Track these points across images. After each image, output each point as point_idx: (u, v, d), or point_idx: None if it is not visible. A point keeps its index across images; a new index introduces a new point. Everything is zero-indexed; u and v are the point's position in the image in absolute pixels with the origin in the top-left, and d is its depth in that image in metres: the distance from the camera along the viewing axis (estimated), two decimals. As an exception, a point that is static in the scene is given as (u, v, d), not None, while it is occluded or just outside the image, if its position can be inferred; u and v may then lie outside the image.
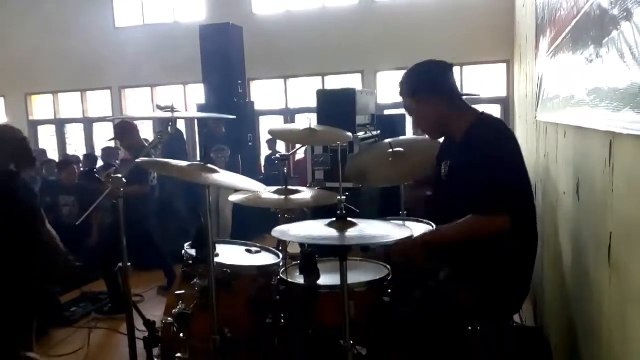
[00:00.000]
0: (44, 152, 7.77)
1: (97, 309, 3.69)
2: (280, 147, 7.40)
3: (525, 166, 1.79)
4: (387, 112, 7.79)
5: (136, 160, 1.91)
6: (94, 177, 2.00)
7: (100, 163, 6.78)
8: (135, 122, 4.07)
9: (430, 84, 1.81)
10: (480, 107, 1.92)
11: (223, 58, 6.06)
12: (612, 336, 1.23)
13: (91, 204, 2.29)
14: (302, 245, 1.86)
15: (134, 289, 2.59)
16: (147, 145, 3.61)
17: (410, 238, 1.67)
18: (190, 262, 2.01)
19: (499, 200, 1.62)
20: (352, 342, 1.56)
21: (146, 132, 8.27)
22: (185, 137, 7.14)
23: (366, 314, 1.77)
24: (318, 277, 1.63)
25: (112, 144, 6.32)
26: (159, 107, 2.18)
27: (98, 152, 7.97)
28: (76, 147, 10.34)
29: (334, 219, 1.55)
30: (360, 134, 3.83)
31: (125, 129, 3.91)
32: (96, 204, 2.31)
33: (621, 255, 1.14)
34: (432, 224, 2.22)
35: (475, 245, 1.68)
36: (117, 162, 6.39)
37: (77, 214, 4.53)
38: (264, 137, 8.03)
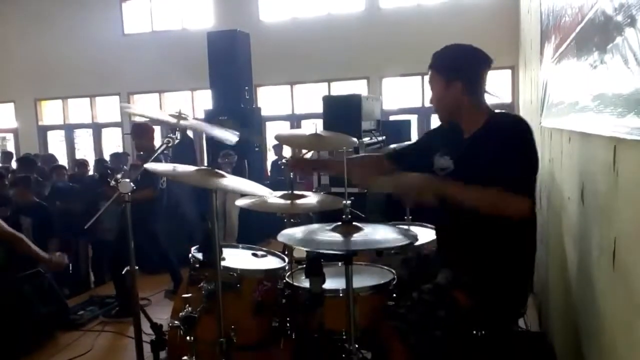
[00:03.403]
0: (53, 157, 7.82)
1: (105, 312, 3.72)
2: (287, 152, 7.43)
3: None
4: (392, 117, 7.81)
5: (144, 165, 1.93)
6: (106, 181, 2.02)
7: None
8: (153, 127, 4.13)
9: (470, 74, 1.74)
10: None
11: (230, 64, 6.11)
12: (616, 341, 1.23)
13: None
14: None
15: (141, 293, 2.62)
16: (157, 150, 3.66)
17: (429, 179, 1.63)
18: (197, 265, 2.02)
19: (525, 184, 1.58)
20: (357, 345, 1.57)
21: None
22: (194, 143, 7.19)
23: (371, 318, 1.77)
24: (323, 281, 1.64)
25: (120, 149, 6.38)
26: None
27: (106, 157, 8.02)
28: (85, 152, 10.44)
29: (340, 223, 1.57)
30: (366, 139, 3.85)
31: (144, 129, 3.98)
32: (104, 208, 2.34)
33: (626, 261, 1.14)
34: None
35: (479, 249, 1.68)
36: (126, 167, 6.44)
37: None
38: (271, 142, 8.07)
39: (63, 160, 9.30)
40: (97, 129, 10.45)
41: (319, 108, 4.28)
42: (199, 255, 2.01)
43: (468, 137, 1.76)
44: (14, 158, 8.28)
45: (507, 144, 1.61)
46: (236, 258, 2.20)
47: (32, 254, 2.93)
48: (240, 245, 2.43)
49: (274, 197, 2.12)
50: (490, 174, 1.56)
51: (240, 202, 2.14)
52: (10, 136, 11.09)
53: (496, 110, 1.79)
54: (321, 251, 1.51)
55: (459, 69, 1.74)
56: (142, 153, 4.25)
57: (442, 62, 1.77)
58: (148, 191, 3.68)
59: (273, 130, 8.75)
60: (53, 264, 2.94)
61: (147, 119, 3.96)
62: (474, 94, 1.74)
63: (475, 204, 1.57)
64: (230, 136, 2.16)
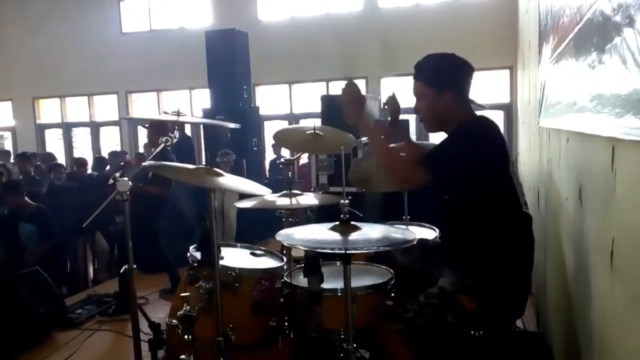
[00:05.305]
0: (51, 155, 7.80)
1: (102, 311, 3.71)
2: (285, 152, 7.44)
3: (507, 172, 1.74)
4: (391, 117, 7.81)
5: (142, 164, 1.93)
6: (107, 180, 2.01)
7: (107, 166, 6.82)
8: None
9: (453, 81, 1.73)
10: (484, 113, 1.89)
11: (228, 63, 6.11)
12: (614, 341, 1.23)
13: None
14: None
15: (139, 292, 2.61)
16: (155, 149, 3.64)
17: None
18: (195, 264, 2.02)
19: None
20: (355, 345, 1.57)
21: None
22: (192, 142, 7.18)
23: (369, 318, 1.77)
24: (322, 281, 1.64)
25: (118, 147, 6.35)
26: (166, 113, 2.22)
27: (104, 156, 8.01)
28: (83, 151, 10.43)
29: (338, 222, 1.57)
30: (364, 139, 3.84)
31: (164, 126, 3.93)
32: (103, 207, 2.33)
33: (623, 261, 1.14)
34: (435, 228, 2.23)
35: (476, 250, 1.68)
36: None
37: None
38: (269, 141, 8.07)
39: (61, 158, 9.28)
40: (95, 127, 10.43)
41: (317, 107, 4.29)
42: (197, 254, 2.01)
43: None
44: (12, 156, 8.27)
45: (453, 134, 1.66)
46: (234, 257, 2.20)
47: None
48: (239, 245, 2.43)
49: (272, 196, 2.12)
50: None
51: (240, 204, 2.14)
52: (7, 134, 11.07)
53: (480, 116, 1.78)
54: (319, 250, 1.51)
55: (449, 78, 1.74)
56: (153, 149, 4.22)
57: (430, 73, 1.76)
58: (162, 188, 3.65)
59: (271, 130, 8.78)
60: None
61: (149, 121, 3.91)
62: (463, 101, 1.75)
63: (380, 160, 1.73)
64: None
